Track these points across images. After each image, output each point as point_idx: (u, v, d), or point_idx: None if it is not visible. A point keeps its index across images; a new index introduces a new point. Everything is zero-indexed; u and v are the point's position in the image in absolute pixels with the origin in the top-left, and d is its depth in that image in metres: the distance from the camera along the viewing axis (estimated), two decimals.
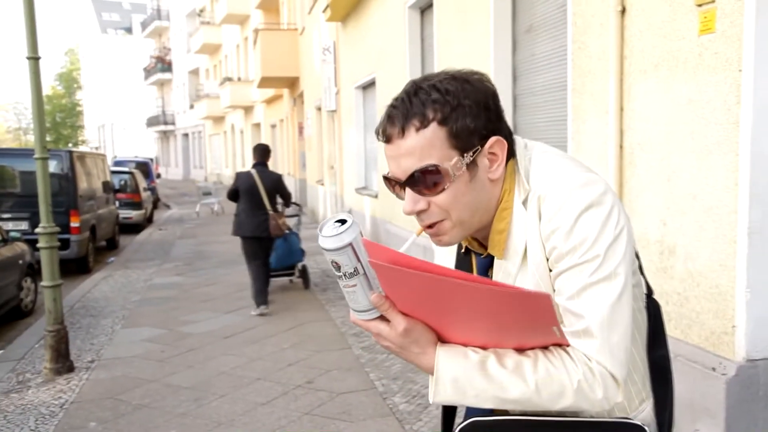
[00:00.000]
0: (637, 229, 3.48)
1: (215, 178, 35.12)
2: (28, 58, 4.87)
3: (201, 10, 34.50)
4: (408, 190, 1.15)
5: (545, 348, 1.10)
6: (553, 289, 1.12)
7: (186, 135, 45.25)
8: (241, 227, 6.84)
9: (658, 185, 3.34)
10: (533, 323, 1.04)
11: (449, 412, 1.40)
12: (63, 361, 5.01)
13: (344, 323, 6.19)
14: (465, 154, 1.12)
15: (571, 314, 1.09)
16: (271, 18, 21.70)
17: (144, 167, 20.93)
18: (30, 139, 60.60)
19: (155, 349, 5.61)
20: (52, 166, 8.90)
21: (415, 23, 7.85)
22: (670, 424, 1.26)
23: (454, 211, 1.15)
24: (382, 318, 1.10)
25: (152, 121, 50.27)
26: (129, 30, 60.51)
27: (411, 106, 1.12)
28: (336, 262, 1.05)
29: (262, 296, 6.81)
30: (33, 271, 7.39)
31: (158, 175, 30.78)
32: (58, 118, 59.30)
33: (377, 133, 1.18)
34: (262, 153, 7.04)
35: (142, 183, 16.74)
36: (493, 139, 1.14)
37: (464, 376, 1.08)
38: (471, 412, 1.25)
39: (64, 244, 8.74)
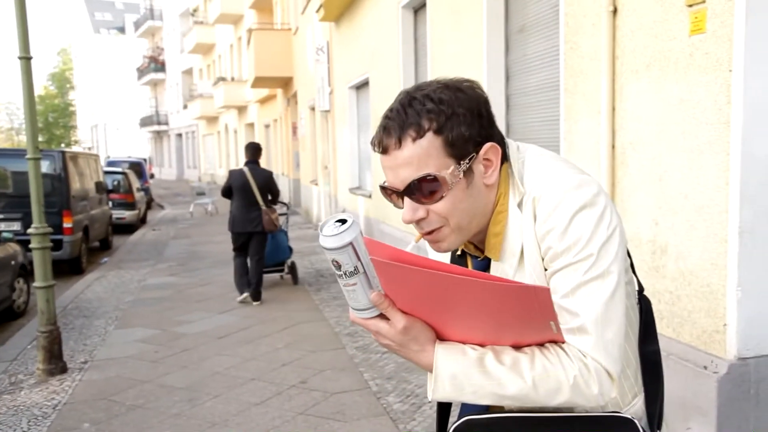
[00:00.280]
0: (630, 229, 3.50)
1: (209, 179, 35.05)
2: (20, 57, 4.85)
3: (194, 10, 34.42)
4: (407, 199, 1.17)
5: (541, 345, 1.12)
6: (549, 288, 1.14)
7: (179, 135, 45.14)
8: (234, 223, 7.16)
9: (649, 185, 3.35)
10: (531, 318, 1.06)
11: (444, 411, 1.42)
12: (56, 362, 4.99)
13: (338, 323, 6.19)
14: (461, 162, 1.15)
15: (566, 312, 1.11)
16: (264, 18, 21.68)
17: (137, 167, 20.89)
18: (22, 140, 60.42)
19: (149, 350, 5.60)
20: (45, 167, 8.86)
21: (409, 23, 7.86)
22: (659, 417, 1.28)
23: (452, 218, 1.17)
24: (382, 316, 1.12)
25: (145, 121, 50.15)
26: (122, 30, 60.36)
27: (406, 117, 1.14)
28: (336, 261, 1.07)
29: (243, 284, 7.20)
30: (25, 271, 7.36)
31: (152, 176, 30.75)
32: (50, 118, 59.04)
33: (373, 145, 1.19)
34: (254, 151, 7.31)
35: (136, 183, 16.69)
36: (487, 145, 1.17)
37: (462, 372, 1.10)
38: (465, 410, 1.26)
39: (57, 245, 8.70)
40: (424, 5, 7.04)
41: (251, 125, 27.25)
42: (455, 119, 1.14)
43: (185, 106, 38.86)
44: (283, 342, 5.69)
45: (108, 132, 50.56)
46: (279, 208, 7.83)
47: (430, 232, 1.20)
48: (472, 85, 1.20)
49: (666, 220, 3.25)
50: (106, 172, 14.43)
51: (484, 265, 1.26)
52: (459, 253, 1.33)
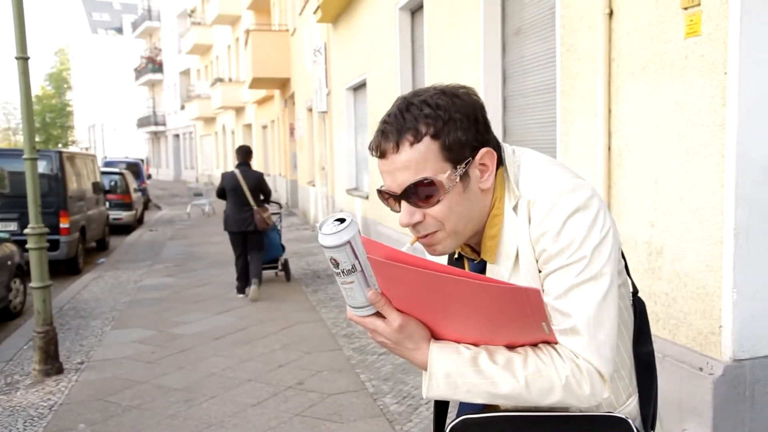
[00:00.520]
0: (626, 231, 3.51)
1: (206, 179, 35.03)
2: (17, 58, 4.84)
3: (192, 11, 34.40)
4: (404, 203, 1.19)
5: (535, 345, 1.14)
6: (543, 290, 1.16)
7: (177, 136, 45.11)
8: (228, 223, 7.53)
9: (645, 187, 3.36)
10: (524, 319, 1.08)
11: (441, 410, 1.43)
12: (52, 363, 4.98)
13: (335, 324, 6.20)
14: (458, 166, 1.17)
15: (559, 313, 1.13)
16: (262, 19, 21.68)
17: (134, 168, 20.83)
18: (19, 140, 60.27)
19: (145, 351, 5.59)
20: (42, 167, 8.86)
21: (406, 25, 7.87)
22: (653, 417, 1.30)
23: (448, 222, 1.19)
24: (378, 314, 1.14)
25: (143, 122, 50.09)
26: (119, 30, 60.24)
27: (404, 122, 1.16)
28: (334, 259, 1.09)
29: (242, 285, 7.58)
30: (22, 272, 7.35)
31: (149, 176, 30.70)
32: (47, 118, 59.01)
33: (371, 149, 1.21)
34: (245, 154, 7.70)
35: (133, 184, 16.67)
36: (483, 150, 1.19)
37: (457, 371, 1.12)
38: (462, 410, 1.28)
39: (54, 245, 8.70)
40: (421, 7, 7.05)
41: (249, 126, 27.24)
42: (452, 124, 1.16)
43: (183, 107, 38.85)
44: (279, 343, 5.69)
45: (105, 132, 50.50)
46: (271, 208, 8.08)
47: (425, 236, 1.22)
48: (468, 91, 1.22)
49: (662, 222, 3.26)
50: (103, 173, 14.40)
51: (481, 267, 1.27)
52: (456, 255, 1.35)
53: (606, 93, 3.62)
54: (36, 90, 57.95)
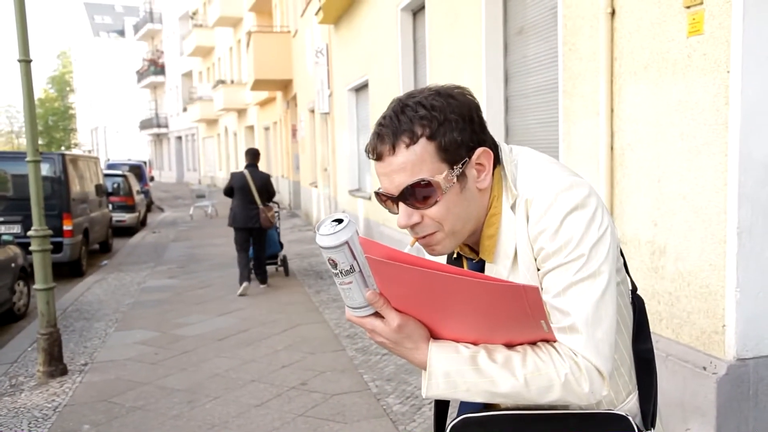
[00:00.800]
0: (628, 230, 3.51)
1: (209, 181, 35.06)
2: (20, 60, 4.86)
3: (194, 13, 34.45)
4: (401, 204, 1.19)
5: (533, 344, 1.13)
6: (541, 288, 1.16)
7: (179, 138, 45.16)
8: (235, 219, 7.96)
9: (648, 186, 3.36)
10: (523, 317, 1.08)
11: (442, 410, 1.43)
12: (56, 364, 4.99)
13: (338, 325, 6.20)
14: (454, 167, 1.17)
15: (558, 311, 1.13)
16: (263, 21, 21.71)
17: (137, 170, 20.87)
18: (22, 143, 60.44)
19: (149, 352, 5.60)
20: (45, 170, 8.87)
21: (407, 25, 7.88)
22: (653, 415, 1.30)
23: (446, 222, 1.19)
24: (377, 314, 1.14)
25: (145, 124, 50.15)
26: (121, 33, 60.31)
27: (400, 124, 1.16)
28: (333, 260, 1.09)
29: (243, 277, 7.92)
30: (26, 274, 7.37)
31: (152, 178, 30.71)
32: (50, 121, 59.16)
33: (367, 152, 1.21)
34: (253, 156, 8.28)
35: (136, 186, 16.70)
36: (479, 150, 1.19)
37: (456, 370, 1.12)
38: (463, 409, 1.28)
39: (57, 248, 8.72)
40: (422, 7, 7.05)
41: (251, 128, 27.26)
42: (447, 125, 1.16)
43: (185, 109, 38.89)
44: (282, 344, 5.70)
45: (108, 135, 50.59)
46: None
47: (424, 237, 1.22)
48: (463, 91, 1.22)
49: (665, 221, 3.25)
50: (106, 175, 14.44)
51: (479, 267, 1.27)
52: (455, 255, 1.35)
53: (608, 92, 3.61)
54: (39, 93, 58.01)
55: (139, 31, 49.84)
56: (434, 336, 1.17)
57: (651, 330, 1.36)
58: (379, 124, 1.19)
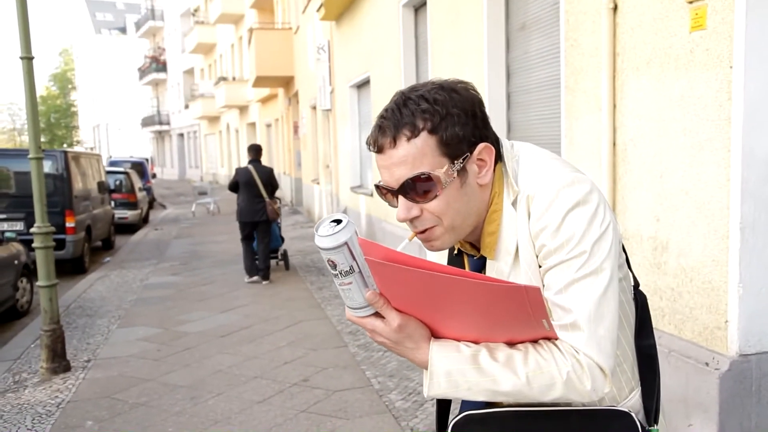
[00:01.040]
0: (631, 226, 3.51)
1: (211, 178, 35.09)
2: (22, 58, 4.86)
3: (195, 10, 34.44)
4: (401, 197, 1.18)
5: (535, 341, 1.13)
6: (543, 285, 1.15)
7: (181, 135, 45.17)
8: (241, 213, 8.29)
9: (651, 181, 3.36)
10: (524, 316, 1.07)
11: (444, 407, 1.43)
12: (59, 361, 5.01)
13: (340, 321, 6.20)
14: (455, 161, 1.16)
15: (559, 308, 1.12)
16: (265, 17, 21.68)
17: (139, 167, 20.89)
18: (25, 140, 60.53)
19: (151, 348, 5.61)
20: (47, 167, 8.89)
21: (409, 21, 7.86)
22: (656, 411, 1.29)
23: (446, 217, 1.18)
24: (377, 314, 1.13)
25: (147, 121, 50.16)
26: (123, 30, 60.29)
27: (401, 117, 1.15)
28: (332, 261, 1.08)
29: (252, 268, 8.34)
30: (29, 271, 7.38)
31: (154, 175, 30.74)
32: (52, 118, 59.21)
33: (368, 144, 1.21)
34: (256, 151, 8.55)
35: (138, 183, 16.71)
36: (481, 145, 1.18)
37: (457, 369, 1.11)
38: (465, 406, 1.28)
39: (60, 245, 8.72)
40: (424, 3, 7.04)
41: (253, 125, 27.26)
42: (449, 119, 1.15)
43: (187, 106, 38.88)
44: (285, 340, 5.70)
45: (110, 132, 50.54)
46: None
47: (423, 231, 1.21)
48: (466, 86, 1.21)
49: (667, 217, 3.25)
50: (109, 172, 14.45)
51: (481, 263, 1.27)
52: (456, 252, 1.34)
53: (610, 88, 3.61)
54: (40, 90, 58.03)
55: (140, 28, 49.82)
56: (435, 335, 1.16)
57: (653, 326, 1.35)
58: (381, 117, 1.19)
